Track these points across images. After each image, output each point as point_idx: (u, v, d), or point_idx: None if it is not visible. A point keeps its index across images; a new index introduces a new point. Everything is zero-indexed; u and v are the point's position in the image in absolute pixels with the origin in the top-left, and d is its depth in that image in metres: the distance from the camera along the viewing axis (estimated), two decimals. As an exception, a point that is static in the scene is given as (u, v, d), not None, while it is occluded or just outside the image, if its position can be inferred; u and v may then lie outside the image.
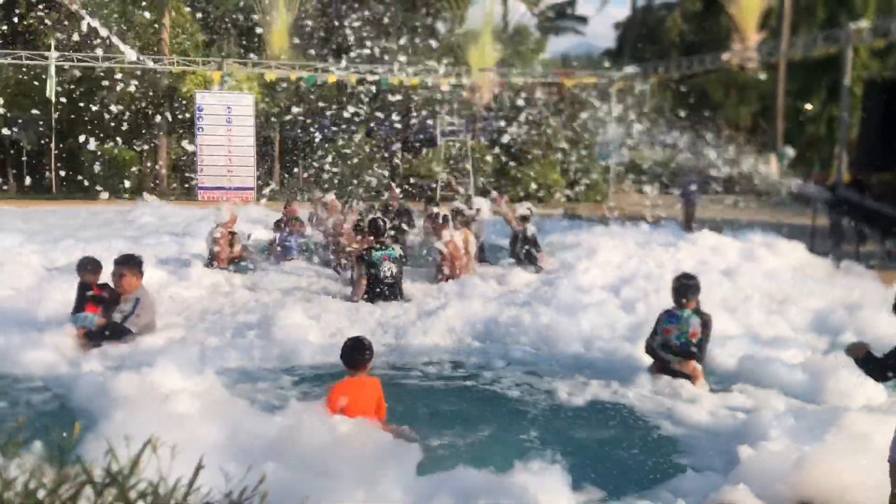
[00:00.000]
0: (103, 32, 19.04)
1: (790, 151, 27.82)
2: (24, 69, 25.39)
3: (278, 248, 13.05)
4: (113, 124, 24.98)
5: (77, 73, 24.92)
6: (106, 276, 8.07)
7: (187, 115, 25.64)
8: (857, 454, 4.12)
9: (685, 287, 6.50)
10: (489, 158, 26.01)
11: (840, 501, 3.89)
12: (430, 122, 27.62)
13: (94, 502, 1.87)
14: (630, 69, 26.77)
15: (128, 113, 25.58)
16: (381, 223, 10.10)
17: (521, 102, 26.63)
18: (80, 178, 23.50)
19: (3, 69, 25.65)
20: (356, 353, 5.43)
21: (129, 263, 7.72)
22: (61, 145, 24.70)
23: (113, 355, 7.23)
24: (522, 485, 4.06)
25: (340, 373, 6.74)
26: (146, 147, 26.46)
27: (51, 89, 23.64)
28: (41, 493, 2.03)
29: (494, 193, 16.15)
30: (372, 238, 9.94)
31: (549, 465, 4.33)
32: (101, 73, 25.13)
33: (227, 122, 23.28)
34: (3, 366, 6.87)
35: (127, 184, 23.41)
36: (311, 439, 4.52)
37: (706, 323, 6.47)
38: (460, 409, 6.27)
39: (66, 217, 18.66)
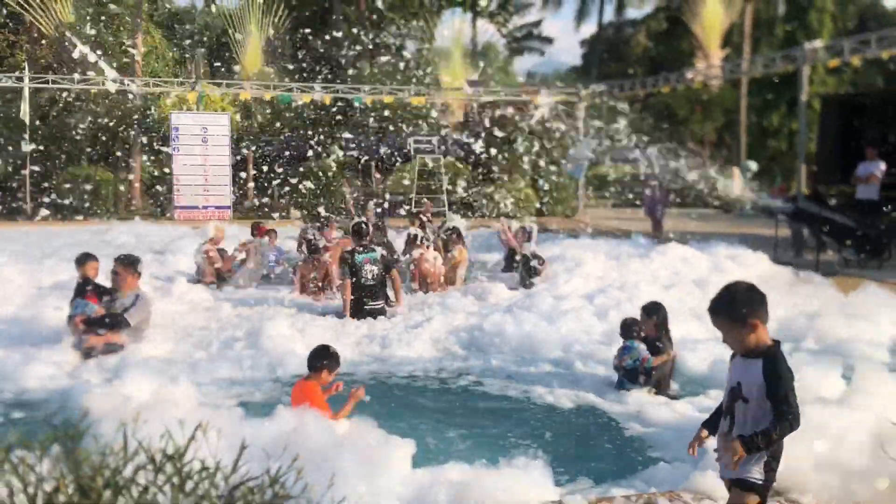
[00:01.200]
0: (91, 58, 19.23)
1: (753, 165, 28.65)
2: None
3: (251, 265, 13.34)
4: (88, 146, 25.12)
5: (53, 94, 24.97)
6: (103, 272, 8.62)
7: (160, 136, 25.81)
8: (812, 441, 4.55)
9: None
10: (461, 175, 26.46)
11: (794, 483, 4.30)
12: (400, 139, 28.06)
13: (154, 479, 2.14)
14: (596, 86, 27.46)
15: (102, 135, 25.68)
16: (364, 226, 10.47)
17: (489, 120, 27.19)
18: (55, 199, 23.58)
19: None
20: (312, 357, 5.80)
21: (125, 262, 8.17)
22: (35, 168, 24.69)
23: (107, 366, 7.55)
24: (509, 477, 4.44)
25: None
26: (120, 167, 26.54)
27: (24, 111, 23.71)
28: (106, 473, 2.37)
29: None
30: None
31: (531, 459, 4.70)
32: (74, 96, 25.24)
33: (203, 141, 23.50)
34: (4, 383, 7.14)
35: (101, 204, 23.47)
36: (309, 438, 4.88)
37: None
38: (446, 411, 6.64)
39: (44, 237, 18.73)
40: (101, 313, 7.95)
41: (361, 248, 10.13)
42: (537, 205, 26.31)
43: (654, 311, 7.06)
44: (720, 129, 35.83)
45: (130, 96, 25.47)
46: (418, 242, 11.65)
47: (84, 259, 8.51)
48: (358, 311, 9.92)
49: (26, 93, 23.84)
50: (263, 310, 10.29)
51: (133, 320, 7.98)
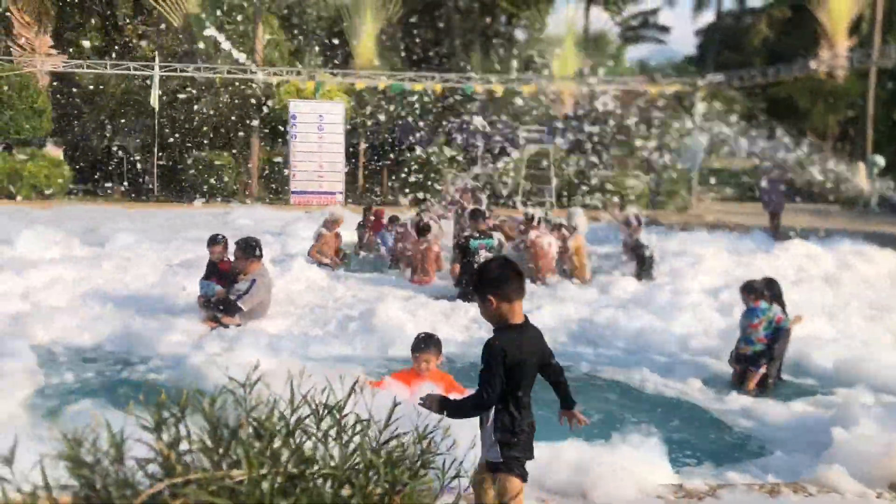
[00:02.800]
0: (225, 45, 20.01)
1: (881, 160, 27.17)
2: (128, 79, 26.89)
3: (381, 249, 13.68)
4: (211, 133, 26.26)
5: (181, 82, 26.20)
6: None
7: (277, 124, 26.69)
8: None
9: (748, 288, 6.88)
10: (570, 165, 26.23)
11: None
12: (508, 129, 28.04)
13: (317, 428, 2.28)
14: (713, 76, 26.67)
15: (224, 122, 26.78)
16: (481, 212, 10.62)
17: (602, 110, 26.80)
18: (180, 182, 24.77)
19: (110, 80, 27.20)
20: (417, 340, 5.80)
21: (242, 247, 8.52)
22: (162, 152, 26.03)
23: (227, 337, 7.97)
24: (627, 456, 4.45)
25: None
26: (240, 153, 27.62)
27: (154, 98, 25.00)
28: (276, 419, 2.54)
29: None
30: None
31: (647, 438, 4.69)
32: (200, 84, 26.41)
33: (318, 129, 24.21)
34: (145, 347, 7.66)
35: (222, 188, 24.54)
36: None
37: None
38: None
39: (168, 219, 19.76)
40: (222, 295, 8.33)
41: (478, 234, 10.28)
42: (648, 198, 25.80)
43: (770, 287, 6.86)
44: (844, 122, 34.11)
45: (253, 85, 26.43)
46: (534, 224, 11.56)
47: (212, 241, 8.92)
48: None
49: (156, 80, 25.12)
50: (377, 291, 10.55)
51: (246, 306, 8.34)
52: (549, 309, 9.11)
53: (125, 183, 27.77)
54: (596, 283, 11.14)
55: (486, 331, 8.58)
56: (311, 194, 24.33)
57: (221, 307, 8.29)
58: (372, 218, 15.19)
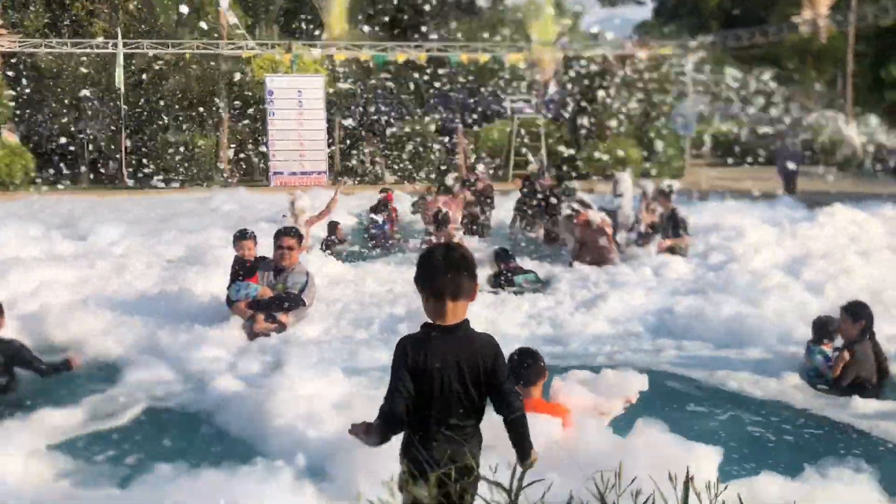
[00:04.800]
0: (232, 20, 18.53)
1: (872, 119, 26.76)
2: (88, 59, 25.24)
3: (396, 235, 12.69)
4: (180, 112, 24.78)
5: (148, 60, 24.66)
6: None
7: (252, 101, 25.33)
8: None
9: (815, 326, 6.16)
10: (560, 134, 25.37)
11: None
12: (491, 98, 27.07)
13: None
14: (704, 38, 25.92)
15: (193, 100, 25.32)
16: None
17: (586, 77, 25.92)
18: (153, 166, 23.35)
19: (70, 59, 25.51)
20: (528, 366, 4.73)
21: (294, 235, 7.50)
22: (129, 136, 24.54)
23: (268, 348, 6.95)
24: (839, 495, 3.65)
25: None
26: (211, 133, 26.23)
27: (119, 78, 23.48)
28: None
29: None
30: None
31: (855, 474, 3.88)
32: (166, 62, 24.91)
33: (298, 105, 22.94)
34: (176, 364, 6.60)
35: (196, 172, 23.16)
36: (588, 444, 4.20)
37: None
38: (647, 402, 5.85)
39: (149, 207, 18.48)
40: (268, 294, 7.29)
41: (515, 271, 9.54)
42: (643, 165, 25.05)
43: (860, 314, 6.01)
44: (829, 83, 33.72)
45: (221, 60, 25.01)
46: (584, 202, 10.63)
47: (241, 237, 7.85)
48: (510, 284, 9.21)
49: (120, 59, 23.58)
50: (412, 285, 9.57)
51: (309, 300, 7.36)
52: (615, 296, 8.22)
53: (91, 170, 26.18)
54: (639, 263, 10.27)
55: (550, 325, 7.69)
56: (293, 175, 23.13)
57: (284, 307, 7.20)
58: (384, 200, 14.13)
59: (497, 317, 7.81)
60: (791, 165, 17.64)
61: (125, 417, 5.62)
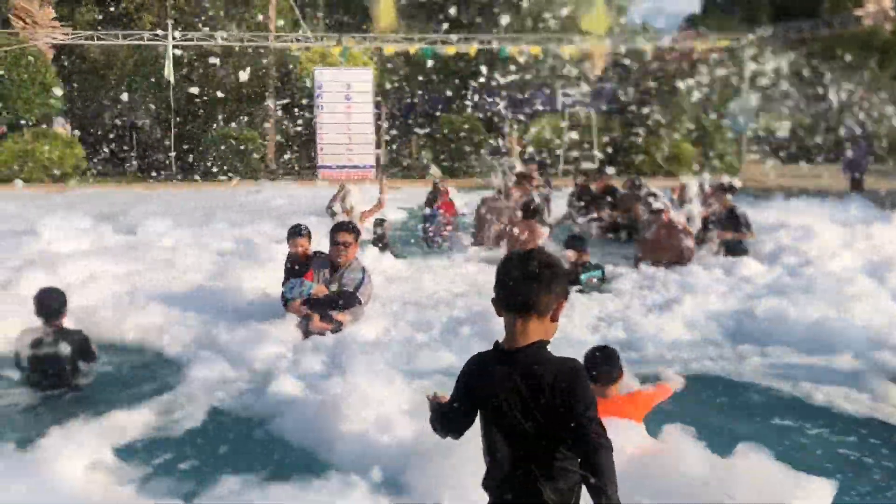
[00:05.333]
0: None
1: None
2: (140, 51, 25.30)
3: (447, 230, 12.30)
4: (229, 106, 24.71)
5: (195, 53, 24.63)
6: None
7: (300, 94, 25.16)
8: None
9: None
10: (612, 129, 24.78)
11: None
12: (541, 92, 26.52)
13: None
14: (763, 30, 25.10)
15: (242, 94, 25.24)
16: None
17: (638, 71, 25.28)
18: (200, 160, 23.30)
19: (120, 52, 25.60)
20: (605, 364, 4.49)
21: (352, 231, 7.21)
22: (178, 128, 24.53)
23: (325, 348, 6.64)
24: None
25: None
26: (259, 127, 26.12)
27: (169, 70, 23.46)
28: None
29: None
30: None
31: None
32: (217, 54, 24.84)
33: (346, 98, 22.69)
34: (236, 362, 6.34)
35: (245, 165, 23.03)
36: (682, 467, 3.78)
37: None
38: (726, 410, 5.40)
39: (196, 200, 18.37)
40: (323, 291, 6.98)
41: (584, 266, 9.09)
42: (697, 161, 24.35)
43: None
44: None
45: (268, 53, 24.87)
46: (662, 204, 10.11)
47: (295, 234, 7.52)
48: (575, 281, 8.78)
49: (170, 51, 23.56)
50: (470, 283, 9.21)
51: (365, 298, 7.03)
52: (688, 298, 7.75)
53: (140, 162, 26.28)
54: (708, 263, 9.76)
55: (623, 328, 7.25)
56: (340, 169, 22.89)
57: (338, 305, 6.88)
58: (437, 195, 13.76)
59: (564, 320, 7.39)
60: (858, 163, 16.88)
61: (188, 420, 5.36)
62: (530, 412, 2.58)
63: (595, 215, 13.27)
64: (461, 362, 6.45)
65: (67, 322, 6.19)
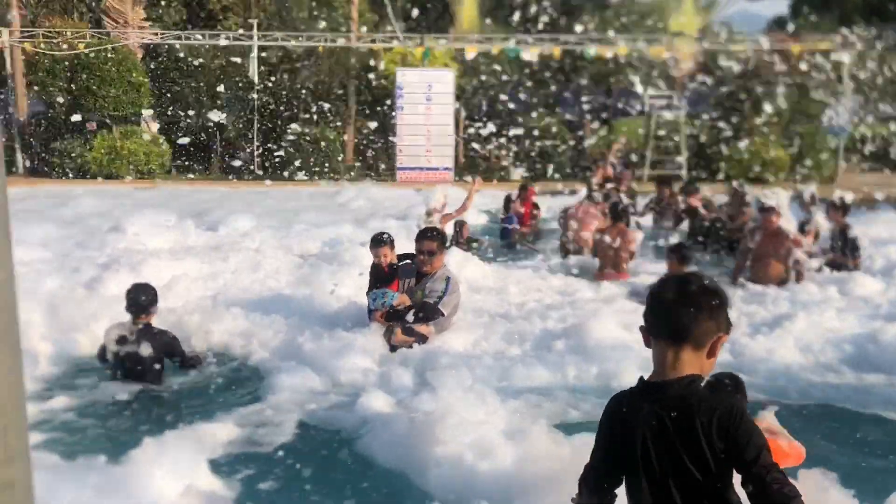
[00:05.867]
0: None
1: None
2: (224, 51, 25.62)
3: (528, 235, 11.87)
4: (311, 105, 24.79)
5: (280, 52, 24.80)
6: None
7: (381, 95, 25.07)
8: None
9: None
10: (701, 132, 23.90)
11: None
12: (627, 94, 25.80)
13: None
14: (862, 31, 23.84)
15: (325, 92, 25.30)
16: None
17: (735, 70, 24.29)
18: (281, 158, 23.42)
19: (206, 52, 25.98)
20: (736, 394, 4.02)
21: (437, 238, 6.85)
22: (261, 127, 24.73)
23: (411, 362, 6.31)
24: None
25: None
26: (341, 128, 26.14)
27: (254, 70, 23.65)
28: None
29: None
30: None
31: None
32: (300, 54, 24.97)
33: (426, 99, 22.46)
34: (323, 374, 6.09)
35: (327, 166, 23.01)
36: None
37: None
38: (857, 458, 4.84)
39: (278, 199, 18.40)
40: (406, 302, 6.64)
41: None
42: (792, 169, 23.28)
43: None
44: None
45: (353, 53, 24.84)
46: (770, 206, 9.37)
47: (377, 243, 7.20)
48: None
49: (255, 51, 23.76)
50: (563, 291, 8.78)
51: (447, 310, 6.68)
52: (802, 320, 7.13)
53: (223, 160, 26.62)
54: (815, 280, 9.06)
55: (728, 351, 6.71)
56: (419, 171, 22.67)
57: (419, 317, 6.57)
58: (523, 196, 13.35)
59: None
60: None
61: (277, 434, 5.13)
62: (680, 457, 2.22)
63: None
64: (556, 379, 6.14)
65: (156, 322, 6.07)
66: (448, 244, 11.02)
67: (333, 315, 7.60)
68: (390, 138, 23.64)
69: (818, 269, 9.52)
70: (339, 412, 5.54)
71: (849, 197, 10.80)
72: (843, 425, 5.43)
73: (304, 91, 24.62)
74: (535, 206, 13.55)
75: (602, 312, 7.24)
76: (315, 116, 24.97)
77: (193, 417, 5.32)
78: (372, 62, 24.40)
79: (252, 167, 24.46)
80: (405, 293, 6.77)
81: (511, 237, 13.01)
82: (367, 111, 25.83)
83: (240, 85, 24.94)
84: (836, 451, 4.92)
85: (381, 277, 7.02)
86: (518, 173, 24.20)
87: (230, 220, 13.64)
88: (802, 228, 10.15)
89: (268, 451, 4.91)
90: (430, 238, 6.81)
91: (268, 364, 6.56)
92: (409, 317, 6.49)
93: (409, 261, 7.18)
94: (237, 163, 23.68)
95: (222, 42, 23.89)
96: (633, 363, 6.13)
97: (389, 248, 7.19)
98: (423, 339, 6.57)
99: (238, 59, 24.56)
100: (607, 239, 9.95)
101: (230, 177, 23.63)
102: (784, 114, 23.60)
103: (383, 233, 7.41)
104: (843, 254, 9.71)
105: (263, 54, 25.08)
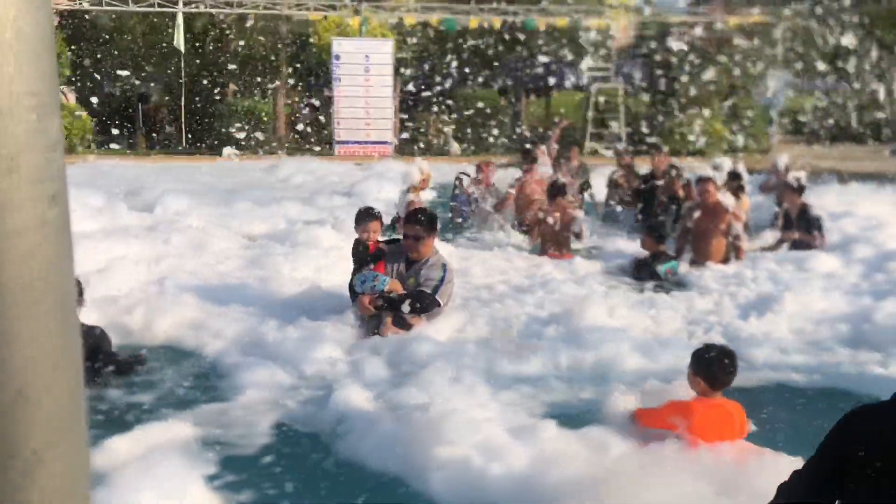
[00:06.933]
0: None
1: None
2: (150, 19, 24.30)
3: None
4: (242, 76, 23.76)
5: (207, 21, 23.63)
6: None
7: (316, 66, 24.21)
8: None
9: None
10: (641, 107, 23.88)
11: None
12: (565, 67, 25.59)
13: None
14: (798, 5, 24.10)
15: (257, 63, 24.27)
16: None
17: (671, 44, 24.25)
18: (213, 132, 22.42)
19: (129, 19, 24.58)
20: (721, 368, 4.14)
21: (425, 223, 6.29)
22: (189, 99, 23.58)
23: (391, 345, 5.82)
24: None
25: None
26: (273, 99, 25.18)
27: (179, 40, 22.48)
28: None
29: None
30: None
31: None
32: (228, 23, 23.86)
33: (364, 70, 21.73)
34: (292, 369, 5.56)
35: (261, 138, 22.08)
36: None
37: None
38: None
39: (213, 175, 17.51)
40: (398, 289, 6.12)
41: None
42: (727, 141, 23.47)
43: None
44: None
45: (286, 22, 23.87)
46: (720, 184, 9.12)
47: (368, 216, 6.67)
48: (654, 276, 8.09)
49: (180, 19, 22.56)
50: (535, 273, 8.40)
51: (444, 300, 6.20)
52: (789, 299, 6.92)
53: (149, 134, 25.35)
54: (780, 258, 8.93)
55: (718, 333, 6.43)
56: (358, 144, 22.00)
57: (416, 308, 6.06)
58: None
59: (652, 323, 6.60)
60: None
61: (255, 436, 4.63)
62: None
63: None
64: (548, 370, 5.75)
65: (88, 314, 5.44)
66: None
67: (293, 300, 7.06)
68: (329, 111, 22.84)
69: (776, 247, 9.42)
70: (316, 408, 5.05)
71: (803, 176, 10.69)
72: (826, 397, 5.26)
73: (234, 61, 23.53)
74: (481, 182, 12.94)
75: (589, 296, 6.90)
76: (246, 88, 23.95)
77: (140, 419, 4.74)
78: (306, 31, 23.50)
79: (181, 141, 23.32)
80: (395, 279, 6.24)
81: (462, 217, 12.43)
82: (302, 83, 24.92)
83: (166, 55, 23.68)
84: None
85: (365, 258, 6.45)
86: (457, 147, 23.81)
87: (165, 199, 12.75)
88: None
89: (248, 455, 4.41)
90: (417, 222, 6.29)
91: (226, 357, 5.98)
92: (406, 307, 5.95)
93: (397, 243, 6.62)
94: (165, 137, 22.51)
95: (145, 9, 22.59)
96: (629, 348, 5.84)
97: (379, 224, 6.68)
98: (410, 330, 6.09)
99: (163, 27, 23.34)
100: (550, 220, 9.65)
101: (157, 150, 22.50)
102: (720, 86, 23.74)
103: (372, 208, 6.86)
104: (809, 233, 9.59)
105: (194, 22, 23.88)
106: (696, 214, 9.07)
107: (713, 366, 4.13)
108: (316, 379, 5.57)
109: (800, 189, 10.09)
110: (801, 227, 9.69)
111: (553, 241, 9.56)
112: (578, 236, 9.61)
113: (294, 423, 4.92)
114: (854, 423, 2.16)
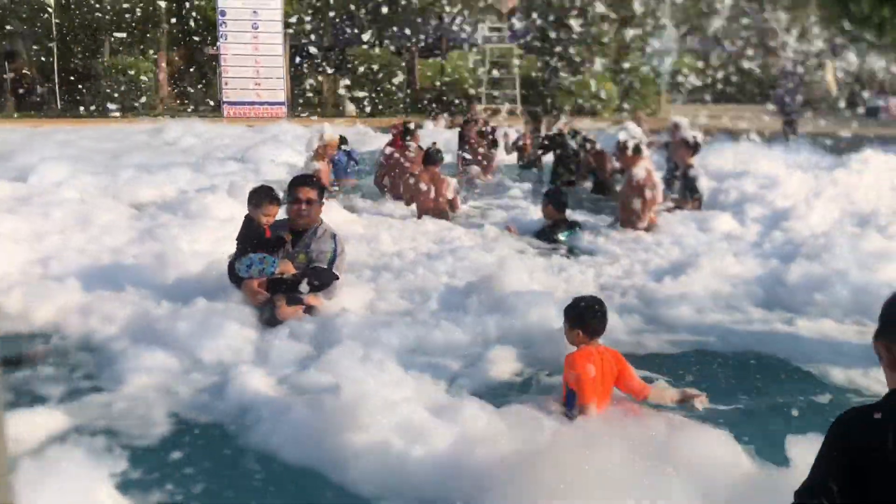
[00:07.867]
0: None
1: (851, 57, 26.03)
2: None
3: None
4: (120, 32, 22.32)
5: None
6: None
7: (200, 22, 23.02)
8: None
9: None
10: (531, 66, 23.91)
11: None
12: (458, 26, 25.33)
13: None
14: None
15: (132, 21, 22.86)
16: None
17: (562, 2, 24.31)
18: (89, 93, 21.05)
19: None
20: (593, 316, 4.28)
21: (314, 185, 5.91)
22: (63, 58, 22.02)
23: (302, 335, 5.48)
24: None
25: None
26: (151, 56, 23.85)
27: (48, -7, 20.90)
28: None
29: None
30: None
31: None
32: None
33: (253, 27, 20.79)
34: (189, 356, 5.13)
35: (142, 100, 20.89)
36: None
37: None
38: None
39: (92, 140, 16.40)
40: (289, 270, 5.72)
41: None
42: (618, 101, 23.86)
43: None
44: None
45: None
46: (631, 153, 9.02)
47: (266, 199, 5.88)
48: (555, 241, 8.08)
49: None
50: (443, 237, 8.26)
51: (341, 272, 5.87)
52: (701, 262, 6.99)
53: (18, 96, 23.59)
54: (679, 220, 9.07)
55: (632, 297, 6.42)
56: (249, 105, 21.12)
57: (314, 286, 5.69)
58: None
59: (567, 287, 6.50)
60: (790, 101, 16.64)
61: (149, 427, 4.24)
62: None
63: None
64: (476, 344, 5.53)
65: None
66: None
67: (190, 278, 6.57)
68: (215, 69, 21.81)
69: (670, 211, 9.49)
70: (218, 398, 4.66)
71: (700, 136, 10.72)
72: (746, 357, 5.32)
73: (109, 17, 22.08)
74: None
75: (506, 262, 6.74)
76: (124, 46, 22.54)
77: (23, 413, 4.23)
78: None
79: (55, 103, 21.80)
80: (284, 259, 5.82)
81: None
82: (186, 39, 23.66)
83: (34, 9, 21.97)
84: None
85: (261, 242, 5.93)
86: (351, 109, 23.28)
87: (41, 167, 11.81)
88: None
89: (143, 449, 4.02)
90: (308, 185, 5.90)
91: (113, 343, 5.45)
92: (304, 286, 5.58)
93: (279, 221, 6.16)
94: (36, 98, 20.98)
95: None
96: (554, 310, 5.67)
97: (277, 208, 6.09)
98: (311, 310, 5.73)
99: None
100: (423, 187, 9.50)
101: (28, 112, 20.95)
102: (610, 47, 24.01)
103: (272, 188, 6.10)
104: (684, 196, 9.70)
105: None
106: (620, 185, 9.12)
107: (586, 315, 4.24)
108: (216, 365, 5.17)
109: (695, 147, 10.14)
110: (681, 187, 9.84)
111: (429, 208, 9.52)
112: (454, 206, 9.63)
113: (194, 414, 4.54)
114: (842, 423, 2.06)
